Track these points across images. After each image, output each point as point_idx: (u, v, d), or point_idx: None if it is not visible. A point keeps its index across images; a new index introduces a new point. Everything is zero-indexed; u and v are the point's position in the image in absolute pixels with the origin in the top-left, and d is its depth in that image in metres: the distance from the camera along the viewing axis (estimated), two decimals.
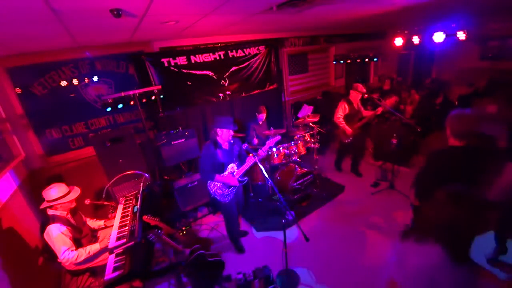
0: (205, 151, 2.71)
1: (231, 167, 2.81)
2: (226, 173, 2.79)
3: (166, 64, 4.30)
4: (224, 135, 2.68)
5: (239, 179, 2.79)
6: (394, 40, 5.30)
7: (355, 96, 4.06)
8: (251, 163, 2.72)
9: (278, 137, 2.85)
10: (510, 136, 2.66)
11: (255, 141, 4.25)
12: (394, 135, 3.87)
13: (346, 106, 4.07)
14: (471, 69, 6.31)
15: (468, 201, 1.12)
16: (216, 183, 2.79)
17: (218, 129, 2.68)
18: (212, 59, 4.76)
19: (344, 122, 4.10)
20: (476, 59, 6.26)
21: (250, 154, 2.68)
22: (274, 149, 3.94)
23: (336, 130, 4.39)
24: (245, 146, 2.69)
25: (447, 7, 4.05)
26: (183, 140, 3.99)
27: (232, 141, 2.81)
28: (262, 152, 2.72)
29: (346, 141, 4.26)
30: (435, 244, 1.14)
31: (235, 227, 3.19)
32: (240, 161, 2.91)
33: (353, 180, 4.55)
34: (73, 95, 3.85)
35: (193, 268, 2.44)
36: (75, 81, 3.80)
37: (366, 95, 4.17)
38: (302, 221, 3.61)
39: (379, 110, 3.96)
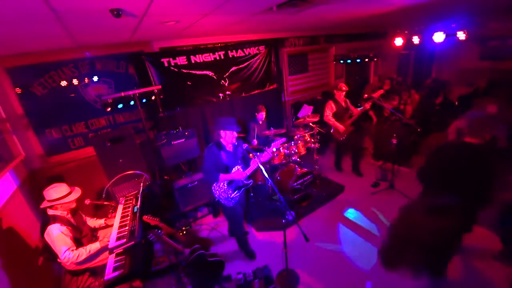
0: (208, 153, 2.61)
1: (236, 169, 2.69)
2: None
3: (166, 64, 4.30)
4: (228, 137, 2.57)
5: (244, 181, 2.75)
6: (394, 40, 5.30)
7: (339, 95, 4.26)
8: (256, 165, 2.61)
9: (284, 139, 2.81)
10: (510, 136, 2.67)
11: (255, 141, 4.25)
12: (394, 135, 3.88)
13: (333, 105, 4.26)
14: (471, 69, 6.31)
15: (446, 217, 1.11)
16: (221, 186, 2.69)
17: (221, 131, 2.57)
18: (212, 59, 4.76)
19: (334, 119, 4.26)
20: (476, 59, 6.26)
21: (251, 155, 2.65)
22: (274, 149, 3.93)
23: (331, 130, 4.43)
24: (245, 146, 2.64)
25: (447, 7, 4.05)
26: (183, 140, 3.99)
27: (236, 143, 2.70)
28: (267, 154, 2.67)
29: (341, 138, 4.35)
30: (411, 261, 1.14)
31: (241, 230, 3.09)
32: (245, 163, 2.79)
33: (353, 180, 4.55)
34: (73, 95, 3.85)
35: (193, 268, 2.44)
36: (75, 81, 3.81)
37: (366, 95, 4.33)
38: (302, 221, 3.61)
39: (368, 105, 4.13)
